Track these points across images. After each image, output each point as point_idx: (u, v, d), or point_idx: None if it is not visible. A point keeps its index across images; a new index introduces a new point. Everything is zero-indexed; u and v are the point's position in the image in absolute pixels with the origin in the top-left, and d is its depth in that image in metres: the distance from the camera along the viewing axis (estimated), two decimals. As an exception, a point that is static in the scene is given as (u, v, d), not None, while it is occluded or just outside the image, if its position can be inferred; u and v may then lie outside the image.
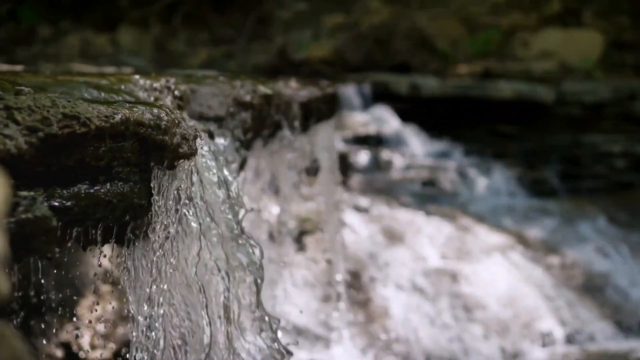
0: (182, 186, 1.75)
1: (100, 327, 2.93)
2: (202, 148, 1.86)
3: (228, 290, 1.89)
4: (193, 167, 1.78)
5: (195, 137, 1.75)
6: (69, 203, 1.52)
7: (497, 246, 4.33)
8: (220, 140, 2.28)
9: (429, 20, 8.04)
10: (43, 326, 2.63)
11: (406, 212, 4.44)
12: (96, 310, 2.92)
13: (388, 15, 8.32)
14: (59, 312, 2.77)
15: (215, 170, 1.91)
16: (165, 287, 1.80)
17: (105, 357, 2.87)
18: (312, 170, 3.20)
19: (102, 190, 1.57)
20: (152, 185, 1.67)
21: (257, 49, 8.33)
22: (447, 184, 5.29)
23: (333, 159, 3.20)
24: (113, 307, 2.96)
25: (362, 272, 3.83)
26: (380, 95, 6.07)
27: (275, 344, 1.95)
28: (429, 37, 7.60)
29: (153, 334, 1.80)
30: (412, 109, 5.98)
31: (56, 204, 1.50)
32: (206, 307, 1.86)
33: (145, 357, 1.79)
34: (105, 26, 8.83)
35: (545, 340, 3.83)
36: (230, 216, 1.93)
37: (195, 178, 1.82)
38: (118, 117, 1.56)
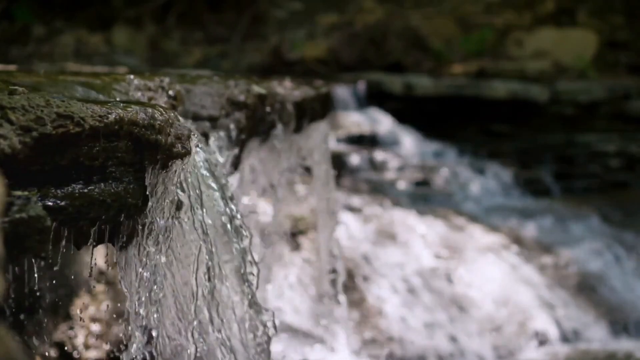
0: (176, 185, 1.75)
1: (95, 327, 2.93)
2: (196, 147, 1.86)
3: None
4: (187, 166, 1.78)
5: (189, 137, 1.75)
6: (63, 203, 1.52)
7: (491, 246, 4.34)
8: (214, 140, 2.28)
9: (423, 20, 8.05)
10: (37, 326, 2.62)
11: (400, 212, 4.43)
12: (89, 309, 2.92)
13: (382, 14, 8.33)
14: (53, 312, 2.77)
15: (208, 170, 1.91)
16: (161, 286, 1.80)
17: (99, 357, 2.87)
18: (306, 170, 3.21)
19: (96, 190, 1.57)
20: (146, 184, 1.67)
21: (251, 49, 8.33)
22: (440, 184, 5.29)
23: (327, 158, 3.19)
24: (107, 307, 2.95)
25: (356, 272, 3.83)
26: (374, 95, 6.08)
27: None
28: (423, 37, 7.61)
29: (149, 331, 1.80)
30: (406, 109, 5.99)
31: (50, 203, 1.50)
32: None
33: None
34: (99, 25, 8.82)
35: (540, 339, 3.84)
36: (226, 216, 1.93)
37: (189, 177, 1.82)
38: (112, 117, 1.56)
